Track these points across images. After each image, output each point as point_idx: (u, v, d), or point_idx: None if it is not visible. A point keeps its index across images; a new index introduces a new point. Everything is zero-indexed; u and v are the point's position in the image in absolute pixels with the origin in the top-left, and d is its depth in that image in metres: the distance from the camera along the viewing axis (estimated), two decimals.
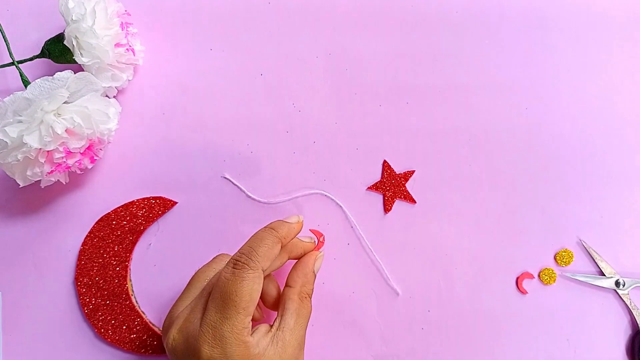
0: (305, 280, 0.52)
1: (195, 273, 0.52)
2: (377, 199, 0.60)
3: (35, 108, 0.47)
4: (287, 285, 0.52)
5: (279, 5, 0.61)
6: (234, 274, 0.45)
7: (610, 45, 0.62)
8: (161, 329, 0.56)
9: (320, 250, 0.56)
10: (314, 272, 0.53)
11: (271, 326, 0.48)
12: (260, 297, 0.51)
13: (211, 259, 0.53)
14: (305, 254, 0.54)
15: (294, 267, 0.53)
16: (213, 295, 0.45)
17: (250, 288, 0.45)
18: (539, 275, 0.59)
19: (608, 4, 0.62)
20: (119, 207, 0.58)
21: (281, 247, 0.49)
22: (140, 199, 0.58)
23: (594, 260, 0.60)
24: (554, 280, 0.59)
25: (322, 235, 0.58)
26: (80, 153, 0.51)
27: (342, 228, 0.59)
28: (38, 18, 0.59)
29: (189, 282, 0.51)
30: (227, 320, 0.44)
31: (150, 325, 0.57)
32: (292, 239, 0.53)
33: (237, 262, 0.46)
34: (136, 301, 0.58)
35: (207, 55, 0.60)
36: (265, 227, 0.50)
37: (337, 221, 0.59)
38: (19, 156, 0.48)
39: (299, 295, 0.50)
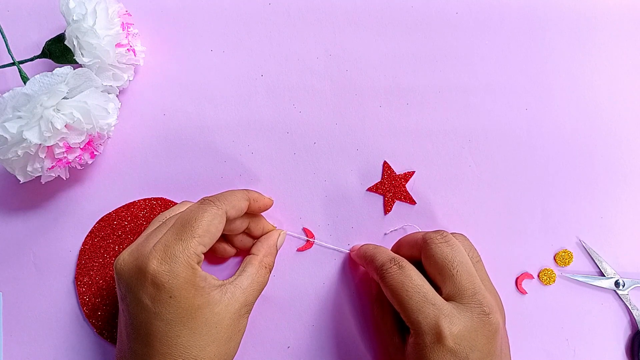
0: (267, 252, 0.53)
1: (157, 216, 0.52)
2: (377, 199, 0.60)
3: (35, 103, 0.47)
4: (250, 253, 0.53)
5: (279, 6, 0.61)
6: (198, 206, 0.47)
7: (610, 45, 0.62)
8: None
9: (284, 231, 0.57)
10: (276, 246, 0.55)
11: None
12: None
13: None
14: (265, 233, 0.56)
15: (258, 240, 0.55)
16: (174, 223, 0.47)
17: (210, 220, 0.47)
18: (538, 276, 0.59)
19: (608, 4, 0.62)
20: (120, 208, 0.58)
21: (247, 207, 0.52)
22: (142, 199, 0.58)
23: (593, 260, 0.60)
24: (554, 281, 0.59)
25: (314, 236, 0.59)
26: (81, 148, 0.51)
27: (342, 228, 0.59)
28: (38, 18, 0.59)
29: (150, 224, 0.51)
30: (181, 241, 0.45)
31: None
32: (259, 206, 0.54)
33: (205, 199, 0.48)
34: None
35: (207, 56, 0.60)
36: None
37: (338, 221, 0.59)
38: (19, 152, 0.48)
39: (259, 263, 0.51)
